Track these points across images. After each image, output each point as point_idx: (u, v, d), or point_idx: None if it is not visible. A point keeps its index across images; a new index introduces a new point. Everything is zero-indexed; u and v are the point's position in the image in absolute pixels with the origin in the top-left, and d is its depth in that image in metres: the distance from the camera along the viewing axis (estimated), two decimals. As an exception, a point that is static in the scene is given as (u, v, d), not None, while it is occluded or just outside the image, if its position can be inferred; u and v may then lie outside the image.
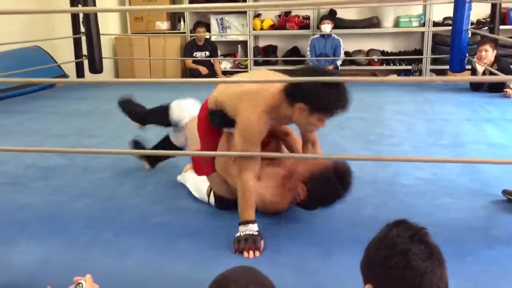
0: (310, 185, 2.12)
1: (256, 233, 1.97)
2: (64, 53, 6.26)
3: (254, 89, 2.03)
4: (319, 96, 1.86)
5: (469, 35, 5.45)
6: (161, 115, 2.73)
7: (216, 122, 2.23)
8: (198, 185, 2.46)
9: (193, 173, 2.54)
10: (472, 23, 5.48)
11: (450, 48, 5.42)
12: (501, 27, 5.59)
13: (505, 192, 2.43)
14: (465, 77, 5.41)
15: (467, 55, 5.24)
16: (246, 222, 2.00)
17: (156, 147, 2.81)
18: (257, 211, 2.11)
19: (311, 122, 1.95)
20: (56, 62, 6.03)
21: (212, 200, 2.37)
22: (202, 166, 2.36)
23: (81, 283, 1.32)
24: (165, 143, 2.77)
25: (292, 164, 2.26)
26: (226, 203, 2.30)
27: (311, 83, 1.87)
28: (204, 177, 2.39)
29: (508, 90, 4.75)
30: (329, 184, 2.08)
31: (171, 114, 2.68)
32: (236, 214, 2.29)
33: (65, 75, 6.09)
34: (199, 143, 2.37)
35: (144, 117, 2.90)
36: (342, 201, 2.12)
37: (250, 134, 1.99)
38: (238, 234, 1.98)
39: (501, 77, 3.27)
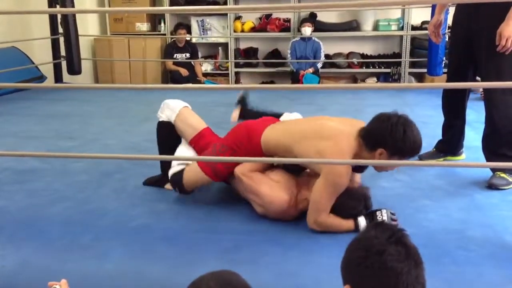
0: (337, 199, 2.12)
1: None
2: (41, 54, 6.17)
3: (333, 134, 2.10)
4: (399, 142, 1.99)
5: (447, 39, 5.54)
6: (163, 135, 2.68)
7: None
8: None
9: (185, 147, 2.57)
10: (449, 27, 5.55)
11: (428, 52, 5.50)
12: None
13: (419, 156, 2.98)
14: (440, 83, 5.49)
15: (444, 58, 5.32)
16: (356, 223, 2.08)
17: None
18: (264, 214, 2.21)
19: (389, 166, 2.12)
20: (34, 63, 5.94)
21: (172, 171, 2.42)
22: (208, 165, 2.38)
23: (56, 288, 1.30)
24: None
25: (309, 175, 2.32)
26: (183, 189, 2.41)
27: (388, 129, 2.00)
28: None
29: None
30: (355, 205, 2.12)
31: (160, 117, 2.62)
32: (216, 216, 2.29)
33: (42, 77, 6.00)
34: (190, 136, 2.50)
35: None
36: None
37: (338, 187, 2.04)
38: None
39: (474, 83, 3.32)
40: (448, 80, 3.03)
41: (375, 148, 2.03)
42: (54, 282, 1.33)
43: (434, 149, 3.13)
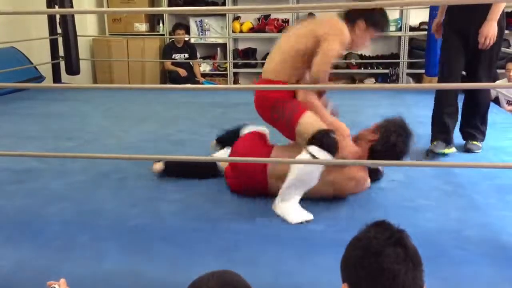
0: None
1: None
2: (40, 55, 6.17)
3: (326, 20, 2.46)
4: (376, 14, 2.42)
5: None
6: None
7: None
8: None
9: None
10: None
11: (426, 53, 5.52)
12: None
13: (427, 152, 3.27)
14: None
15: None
16: None
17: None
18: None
19: (364, 38, 2.45)
20: (32, 64, 5.94)
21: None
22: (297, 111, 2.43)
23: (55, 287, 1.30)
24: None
25: None
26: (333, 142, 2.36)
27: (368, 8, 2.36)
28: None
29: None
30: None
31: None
32: (214, 216, 2.29)
33: (41, 77, 5.99)
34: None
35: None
36: None
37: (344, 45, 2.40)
38: None
39: (470, 84, 3.38)
40: (439, 81, 3.29)
41: (355, 20, 2.39)
42: (53, 281, 1.33)
43: (437, 141, 3.25)
